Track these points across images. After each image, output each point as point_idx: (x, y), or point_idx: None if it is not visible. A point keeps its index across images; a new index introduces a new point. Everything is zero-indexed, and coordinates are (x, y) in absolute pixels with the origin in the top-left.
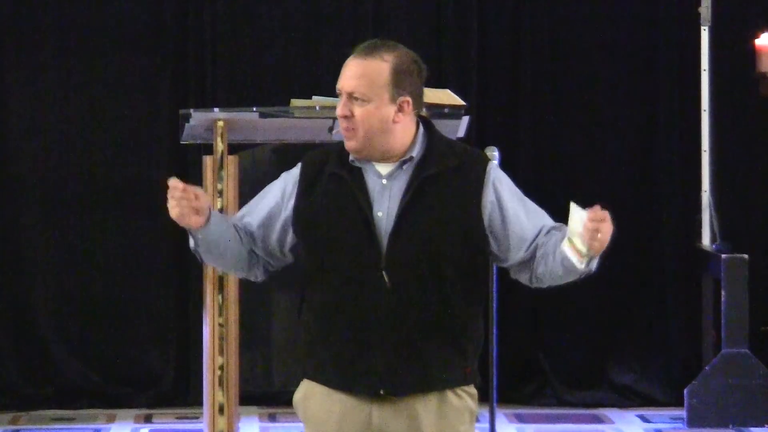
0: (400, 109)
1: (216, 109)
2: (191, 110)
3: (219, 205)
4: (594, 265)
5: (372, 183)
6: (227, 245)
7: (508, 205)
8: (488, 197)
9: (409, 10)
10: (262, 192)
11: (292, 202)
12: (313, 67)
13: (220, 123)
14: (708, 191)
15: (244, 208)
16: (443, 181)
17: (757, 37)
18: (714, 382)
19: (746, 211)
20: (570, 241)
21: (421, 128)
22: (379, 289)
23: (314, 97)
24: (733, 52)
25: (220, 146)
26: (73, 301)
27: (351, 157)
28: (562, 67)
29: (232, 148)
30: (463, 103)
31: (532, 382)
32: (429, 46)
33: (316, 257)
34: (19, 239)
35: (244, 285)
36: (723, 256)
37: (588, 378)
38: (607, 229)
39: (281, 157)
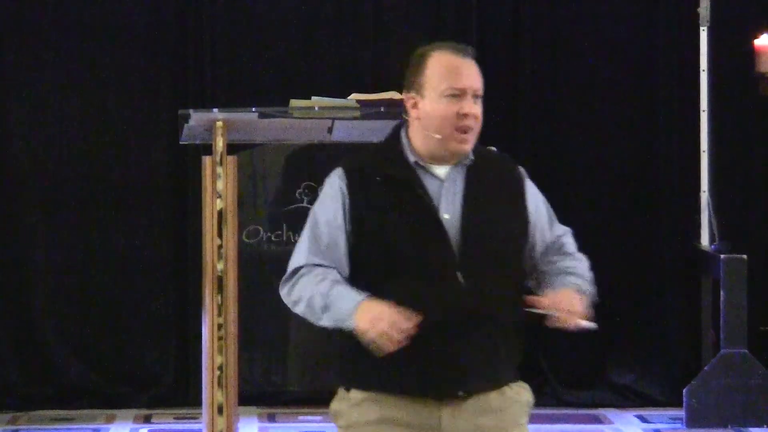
0: None
1: (215, 110)
2: (190, 110)
3: (218, 206)
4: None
5: (432, 185)
6: None
7: (535, 207)
8: (531, 205)
9: (408, 10)
10: (317, 221)
11: (349, 216)
12: (312, 68)
13: (219, 123)
14: (707, 192)
15: (323, 253)
16: (495, 185)
17: (756, 37)
18: (713, 383)
19: (745, 211)
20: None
21: None
22: (456, 289)
23: (313, 98)
24: (732, 52)
25: (219, 146)
26: (73, 301)
27: (412, 159)
28: (562, 67)
29: (231, 149)
30: None
31: (531, 382)
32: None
33: (384, 262)
34: (18, 239)
35: (244, 285)
36: (722, 256)
37: (587, 378)
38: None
39: (281, 157)
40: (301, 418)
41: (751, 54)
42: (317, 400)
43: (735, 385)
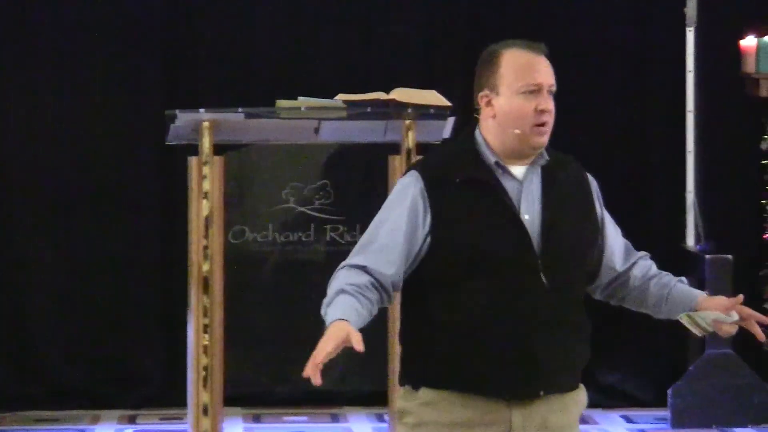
0: None
1: (201, 110)
2: (177, 111)
3: (204, 206)
4: None
5: (510, 186)
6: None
7: (604, 212)
8: (597, 207)
9: (397, 12)
10: (380, 222)
11: (429, 218)
12: (299, 68)
13: (206, 124)
14: (693, 192)
15: (373, 253)
16: (569, 186)
17: (743, 37)
18: (698, 383)
19: (731, 211)
20: (691, 318)
21: None
22: (539, 292)
23: (300, 98)
24: (718, 52)
25: (205, 147)
26: (60, 302)
27: (493, 159)
28: None
29: (218, 149)
30: (448, 104)
31: None
32: (416, 48)
33: (467, 264)
34: (6, 240)
35: (230, 286)
36: (707, 256)
37: None
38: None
39: (267, 157)
40: (286, 419)
41: (738, 54)
42: (303, 401)
43: (720, 385)
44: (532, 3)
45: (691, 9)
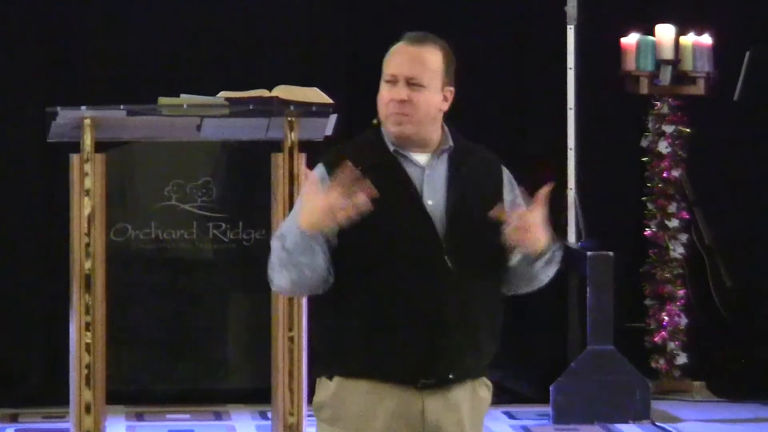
0: (445, 99)
1: (83, 107)
2: (58, 108)
3: (86, 204)
4: (538, 265)
5: (414, 172)
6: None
7: (521, 203)
8: (507, 195)
9: (279, 8)
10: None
11: None
12: (181, 65)
13: (87, 121)
14: (574, 189)
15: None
16: (477, 173)
17: (623, 35)
18: (580, 379)
19: (612, 209)
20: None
21: (443, 124)
22: (444, 274)
23: (182, 95)
24: (599, 50)
25: (87, 144)
26: None
27: (392, 147)
28: None
29: (100, 146)
30: (330, 101)
31: None
32: (299, 45)
33: (371, 249)
34: None
35: (111, 283)
36: (588, 253)
37: None
38: (524, 231)
39: (150, 155)
40: (169, 416)
41: (618, 52)
42: (185, 399)
43: (601, 381)
44: (415, 2)
45: (571, 7)
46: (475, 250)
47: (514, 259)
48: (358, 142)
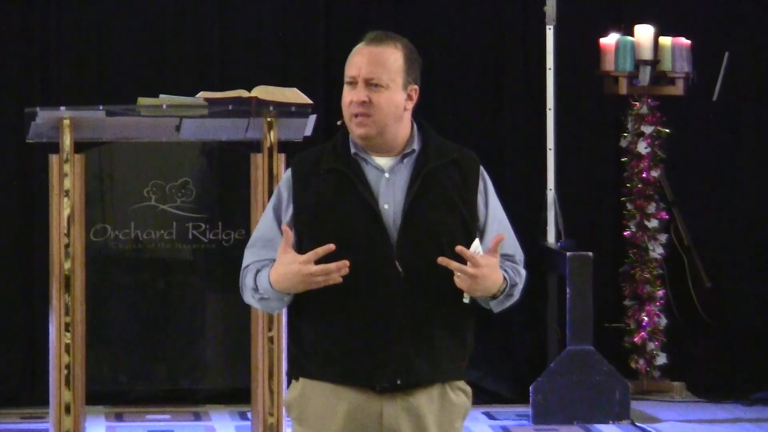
0: (409, 98)
1: (62, 108)
2: (37, 108)
3: (65, 204)
4: (493, 304)
5: (373, 176)
6: None
7: (492, 212)
8: (480, 195)
9: (255, 8)
10: (262, 218)
11: (291, 209)
12: (160, 66)
13: (66, 121)
14: (553, 189)
15: (263, 250)
16: (444, 174)
17: (602, 36)
18: (559, 379)
19: (591, 209)
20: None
21: (414, 124)
22: (394, 279)
23: (161, 96)
24: (577, 51)
25: (66, 145)
26: None
27: (352, 150)
28: None
29: (79, 147)
30: (310, 101)
31: None
32: (275, 45)
33: (325, 255)
34: None
35: (91, 284)
36: (568, 253)
37: None
38: (472, 280)
39: (129, 155)
40: (148, 417)
41: (597, 52)
42: (165, 399)
43: (581, 381)
44: (391, 2)
45: (550, 8)
46: (429, 254)
47: (466, 297)
48: (326, 146)
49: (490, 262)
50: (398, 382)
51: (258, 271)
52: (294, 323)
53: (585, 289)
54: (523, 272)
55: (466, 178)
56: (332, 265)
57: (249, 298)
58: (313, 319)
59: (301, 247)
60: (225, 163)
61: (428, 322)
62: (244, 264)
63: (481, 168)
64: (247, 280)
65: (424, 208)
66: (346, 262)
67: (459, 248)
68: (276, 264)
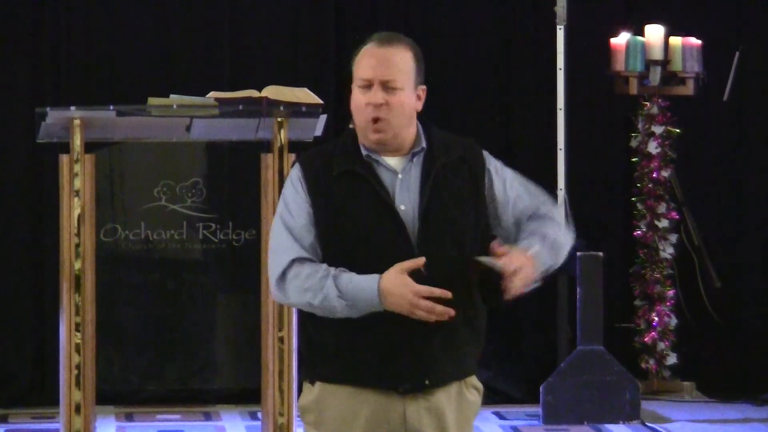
0: (418, 98)
1: (72, 108)
2: (47, 108)
3: (76, 204)
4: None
5: (387, 177)
6: None
7: (509, 183)
8: (497, 183)
9: (265, 10)
10: (285, 225)
11: (309, 207)
12: (171, 66)
13: (77, 121)
14: (564, 189)
15: (289, 237)
16: (454, 171)
17: (612, 36)
18: (569, 379)
19: (601, 208)
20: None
21: (418, 122)
22: (417, 279)
23: (171, 96)
24: (588, 51)
25: (76, 145)
26: None
27: (364, 152)
28: None
29: (89, 147)
30: (320, 101)
31: None
32: (286, 46)
33: (342, 257)
34: None
35: (101, 284)
36: (578, 253)
37: None
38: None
39: (139, 155)
40: (159, 417)
41: (607, 53)
42: (175, 399)
43: (591, 381)
44: (401, 3)
45: (561, 8)
46: (449, 252)
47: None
48: (334, 146)
49: (516, 257)
50: (426, 382)
51: (335, 277)
52: (308, 327)
53: (595, 289)
54: (558, 219)
55: (474, 175)
56: (439, 308)
57: (304, 305)
58: (334, 322)
59: (323, 255)
60: (235, 163)
61: (452, 321)
62: (285, 259)
63: (485, 158)
64: (326, 287)
65: (439, 208)
66: (451, 312)
67: (493, 244)
68: (385, 279)
